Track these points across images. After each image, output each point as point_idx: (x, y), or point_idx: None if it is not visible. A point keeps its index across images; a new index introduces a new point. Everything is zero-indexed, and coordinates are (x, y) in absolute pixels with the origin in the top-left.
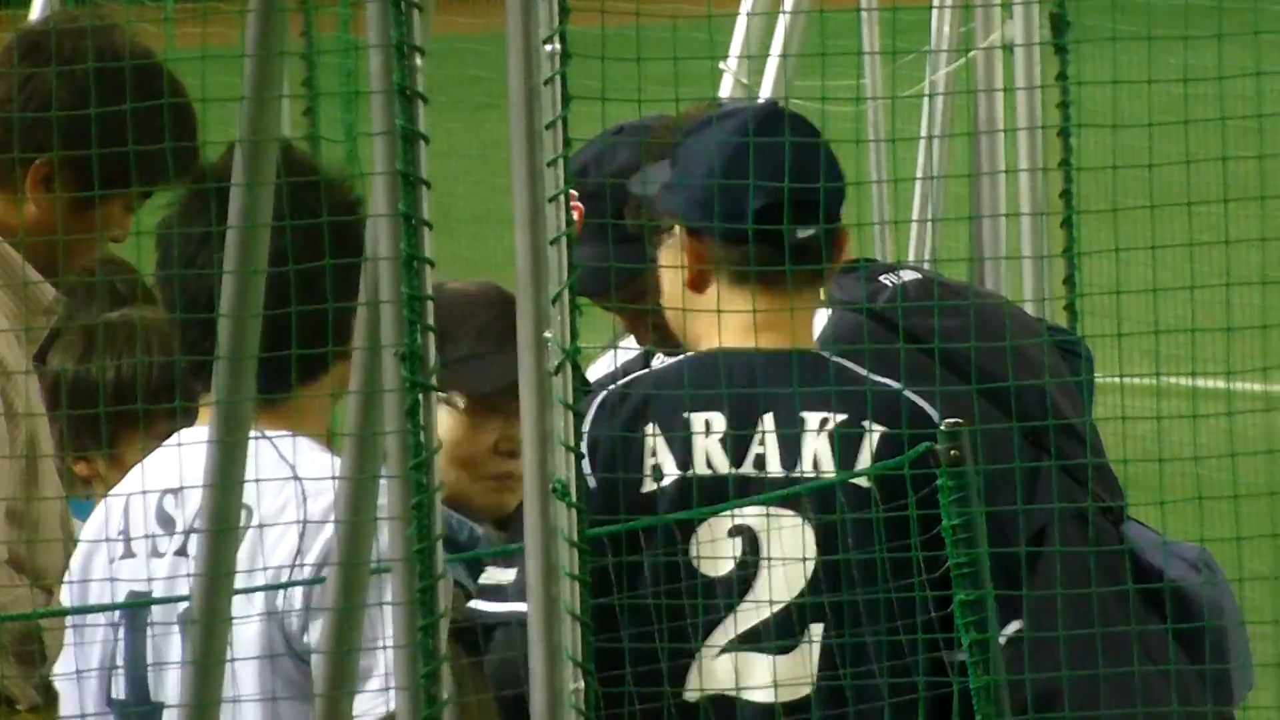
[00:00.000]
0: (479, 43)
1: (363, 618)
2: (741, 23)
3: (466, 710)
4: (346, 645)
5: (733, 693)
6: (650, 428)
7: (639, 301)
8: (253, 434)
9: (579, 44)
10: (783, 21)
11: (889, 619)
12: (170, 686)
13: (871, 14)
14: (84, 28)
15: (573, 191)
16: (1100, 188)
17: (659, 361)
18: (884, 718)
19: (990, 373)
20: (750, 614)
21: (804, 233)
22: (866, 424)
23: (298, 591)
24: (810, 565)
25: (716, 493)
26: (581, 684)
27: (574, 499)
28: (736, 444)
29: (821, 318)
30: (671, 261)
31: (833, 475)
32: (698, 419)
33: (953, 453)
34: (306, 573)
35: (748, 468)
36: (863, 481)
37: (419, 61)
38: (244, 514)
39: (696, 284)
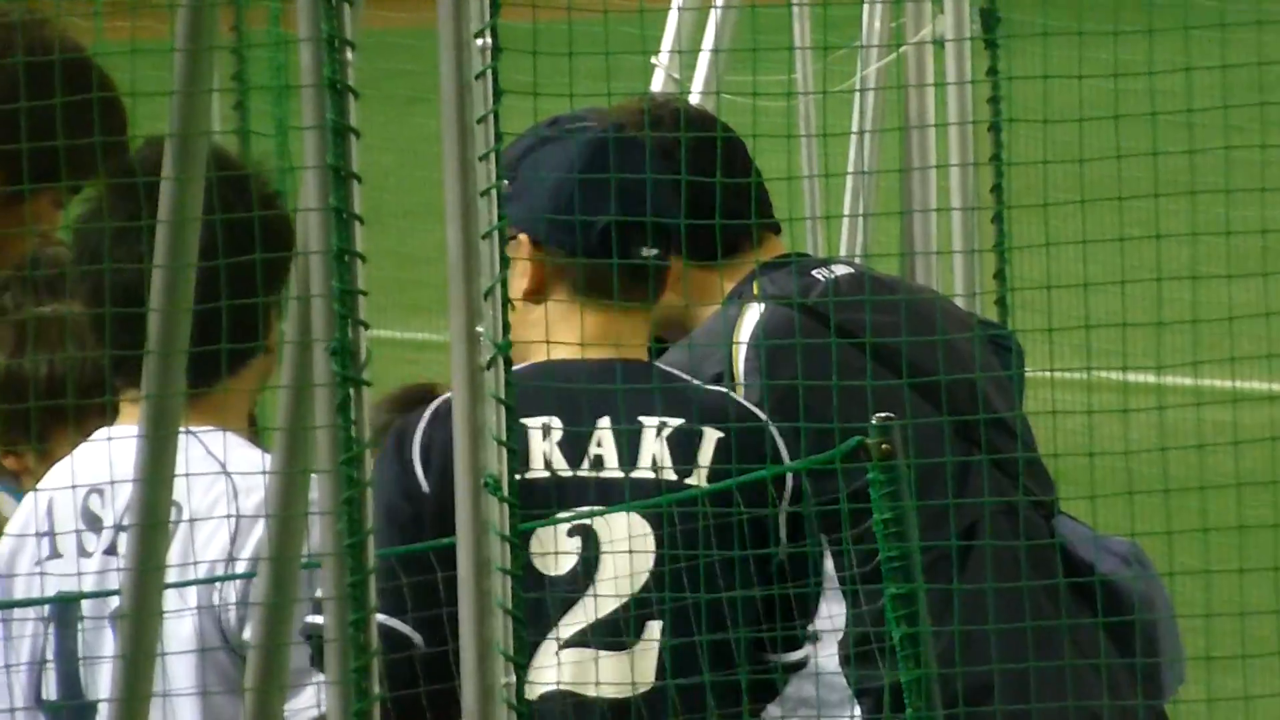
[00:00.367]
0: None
1: (294, 613)
2: (673, 18)
3: None
4: (278, 640)
5: (575, 689)
6: None
7: None
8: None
9: (510, 38)
10: (714, 16)
11: (725, 617)
12: (103, 684)
13: (802, 9)
14: (13, 22)
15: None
16: (1031, 182)
17: None
18: (716, 713)
19: (922, 367)
20: (590, 612)
21: (647, 251)
22: (703, 427)
23: (232, 587)
24: (648, 564)
25: (557, 493)
26: (513, 678)
27: (505, 494)
28: (575, 445)
29: (754, 313)
30: (517, 270)
31: (673, 476)
32: (535, 423)
33: (884, 447)
34: (241, 568)
35: (585, 469)
36: (701, 483)
37: (350, 56)
38: (173, 511)
39: (533, 295)
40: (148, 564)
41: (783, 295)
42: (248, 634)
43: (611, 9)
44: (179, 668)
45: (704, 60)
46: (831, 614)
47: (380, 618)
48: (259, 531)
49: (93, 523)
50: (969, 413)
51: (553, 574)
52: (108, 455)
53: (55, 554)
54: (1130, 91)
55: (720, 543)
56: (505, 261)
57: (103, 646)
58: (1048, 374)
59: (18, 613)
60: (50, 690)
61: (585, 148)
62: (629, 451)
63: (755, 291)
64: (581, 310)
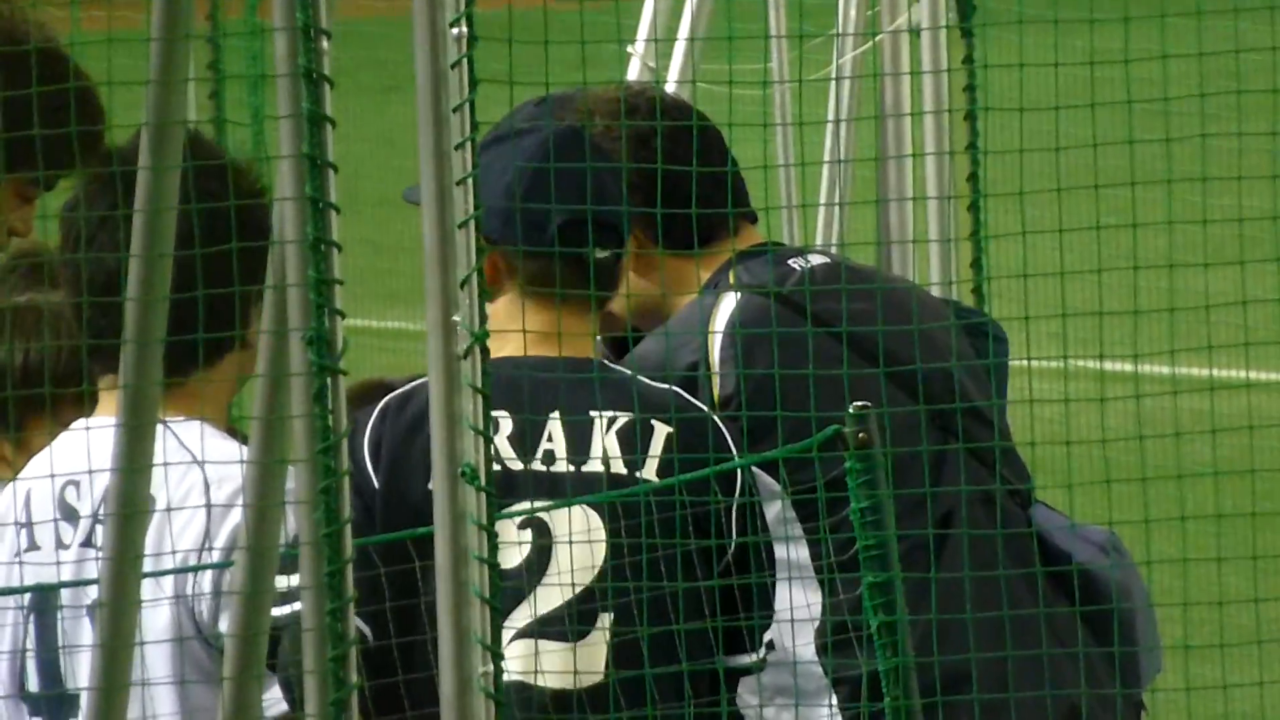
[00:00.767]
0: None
1: (270, 603)
2: (649, 6)
3: None
4: (254, 630)
5: (525, 679)
6: None
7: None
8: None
9: (486, 27)
10: (690, 5)
11: (676, 611)
12: (83, 674)
13: None
14: None
15: None
16: (1007, 171)
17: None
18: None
19: (898, 356)
20: (540, 604)
21: (600, 253)
22: (654, 422)
23: (206, 577)
24: (600, 557)
25: (507, 487)
26: (490, 667)
27: (483, 483)
28: (525, 440)
29: (729, 302)
30: None
31: (623, 469)
32: (501, 418)
33: (860, 436)
34: (215, 558)
35: (537, 463)
36: (651, 476)
37: (325, 45)
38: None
39: (495, 290)
40: (125, 554)
41: (758, 284)
42: (222, 625)
43: None
44: (155, 658)
45: (679, 49)
46: (808, 603)
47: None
48: (232, 522)
49: (69, 514)
50: (945, 402)
51: (505, 567)
52: (85, 445)
53: (33, 545)
54: (1106, 80)
55: (672, 538)
56: (481, 251)
57: (81, 637)
58: (1024, 363)
59: None
60: (31, 681)
61: (538, 146)
62: (579, 445)
63: (731, 281)
64: (529, 306)
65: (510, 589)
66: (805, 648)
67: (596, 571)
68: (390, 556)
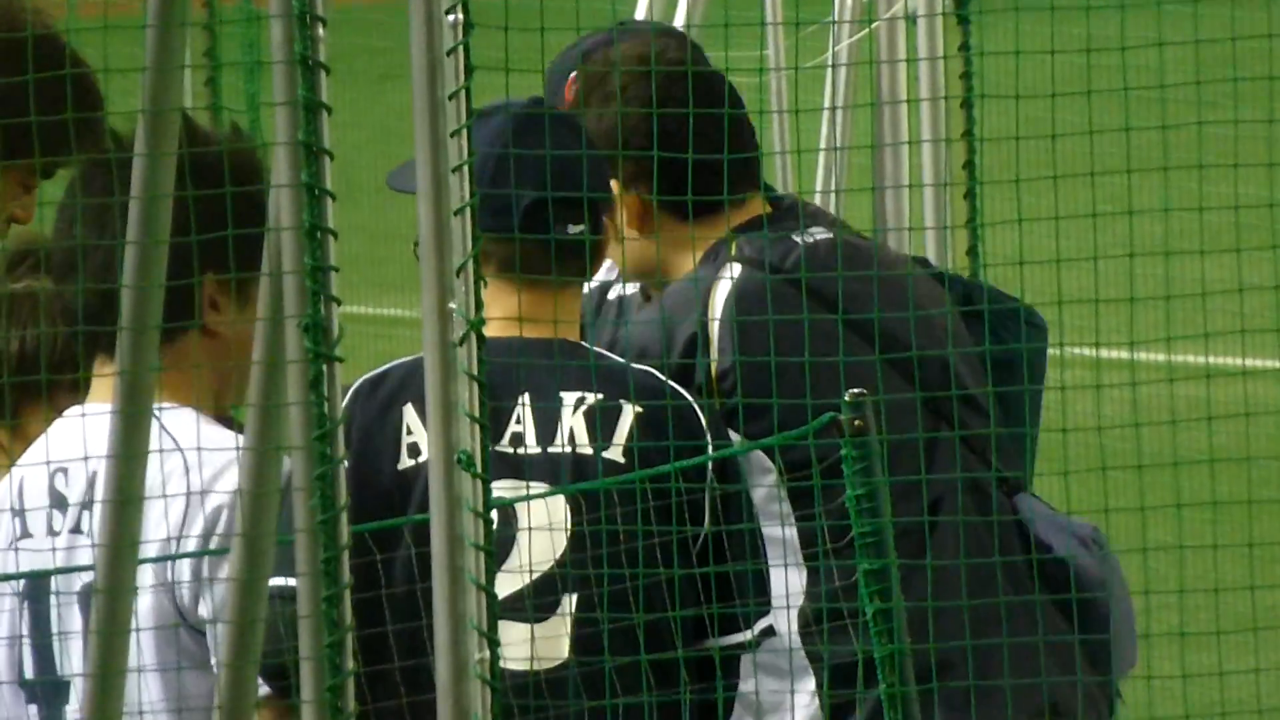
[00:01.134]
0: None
1: (266, 590)
2: None
3: None
4: (251, 616)
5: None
6: (407, 408)
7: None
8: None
9: (481, 14)
10: None
11: (645, 597)
12: (76, 660)
13: None
14: None
15: None
16: (1003, 158)
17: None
18: (631, 688)
19: (896, 338)
20: (504, 585)
21: (574, 228)
22: (622, 403)
23: (186, 563)
24: (563, 538)
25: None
26: (486, 653)
27: (478, 469)
28: (494, 421)
29: (729, 278)
30: None
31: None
32: None
33: (856, 423)
34: (192, 544)
35: (505, 445)
36: (619, 457)
37: (321, 32)
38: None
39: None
40: (121, 540)
41: (759, 260)
42: (203, 610)
43: None
44: (140, 644)
45: None
46: (793, 586)
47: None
48: (211, 506)
49: (59, 501)
50: (941, 388)
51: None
52: (78, 432)
53: (26, 533)
54: (1103, 66)
55: (642, 522)
56: (477, 238)
57: (73, 624)
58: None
59: None
60: (27, 668)
61: (506, 125)
62: (547, 427)
63: (732, 251)
64: (503, 289)
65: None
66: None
67: (559, 555)
68: (372, 541)
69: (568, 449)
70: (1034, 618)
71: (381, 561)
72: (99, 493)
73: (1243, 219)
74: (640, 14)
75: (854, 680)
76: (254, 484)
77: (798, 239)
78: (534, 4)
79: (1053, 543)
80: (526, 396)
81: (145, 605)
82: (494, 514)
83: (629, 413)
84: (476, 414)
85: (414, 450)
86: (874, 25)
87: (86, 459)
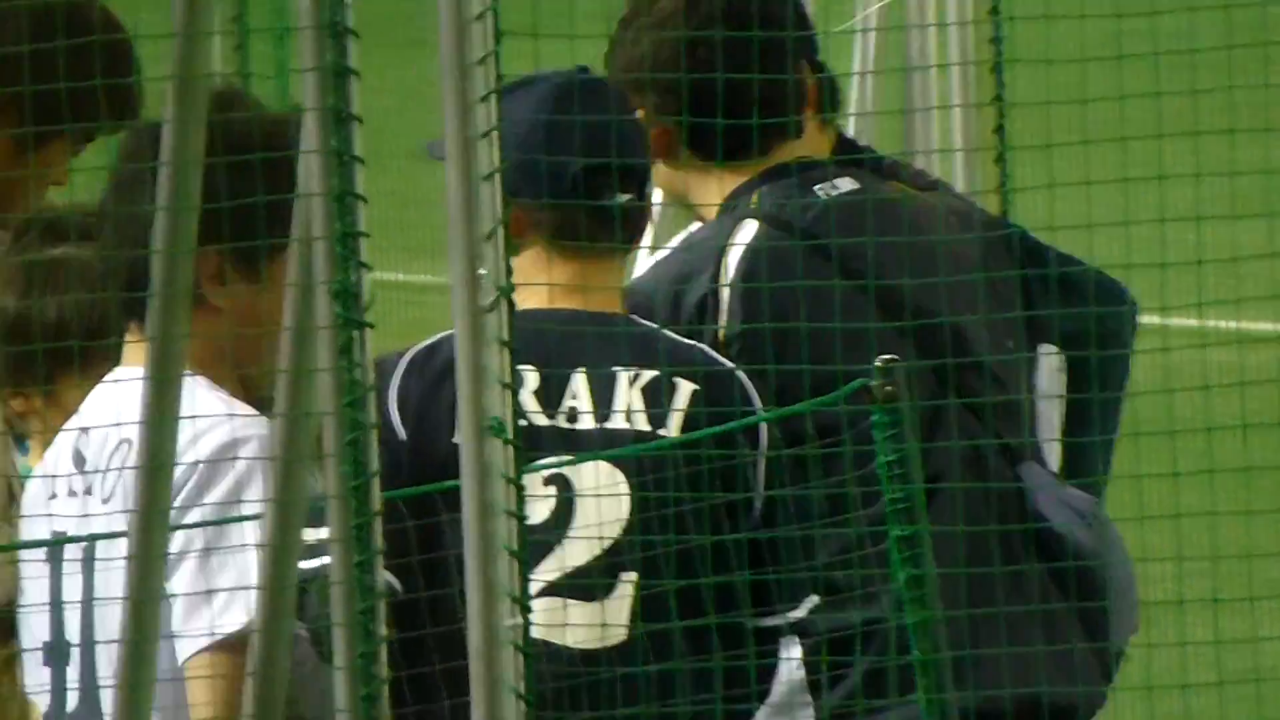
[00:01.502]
0: None
1: (297, 556)
2: None
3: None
4: (283, 584)
5: (547, 638)
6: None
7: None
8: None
9: None
10: None
11: (702, 569)
12: (74, 626)
13: None
14: None
15: None
16: (1033, 124)
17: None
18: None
19: (916, 303)
20: (563, 561)
21: (622, 196)
22: (678, 379)
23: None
24: (625, 515)
25: (531, 443)
26: (519, 620)
27: (509, 436)
28: (549, 396)
29: (744, 235)
30: None
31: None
32: (529, 376)
33: (887, 389)
34: (191, 515)
35: (560, 420)
36: (674, 433)
37: None
38: (127, 452)
39: (519, 244)
40: (152, 507)
41: (777, 215)
42: (169, 583)
43: None
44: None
45: None
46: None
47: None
48: (205, 476)
49: (80, 464)
50: (950, 353)
51: (529, 523)
52: (106, 398)
53: (54, 494)
54: (1132, 32)
55: (700, 499)
56: (507, 204)
57: (77, 589)
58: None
59: (27, 555)
60: (44, 631)
61: (551, 93)
62: (603, 401)
63: (753, 204)
64: (553, 258)
65: (534, 545)
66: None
67: (619, 529)
68: (419, 510)
69: (625, 425)
70: (1027, 590)
71: (433, 529)
72: (117, 458)
73: (1274, 184)
74: None
75: (839, 649)
76: (285, 450)
77: (821, 191)
78: None
79: (1048, 515)
80: (582, 372)
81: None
82: (552, 488)
83: (685, 389)
84: (507, 380)
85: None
86: None
87: (117, 425)
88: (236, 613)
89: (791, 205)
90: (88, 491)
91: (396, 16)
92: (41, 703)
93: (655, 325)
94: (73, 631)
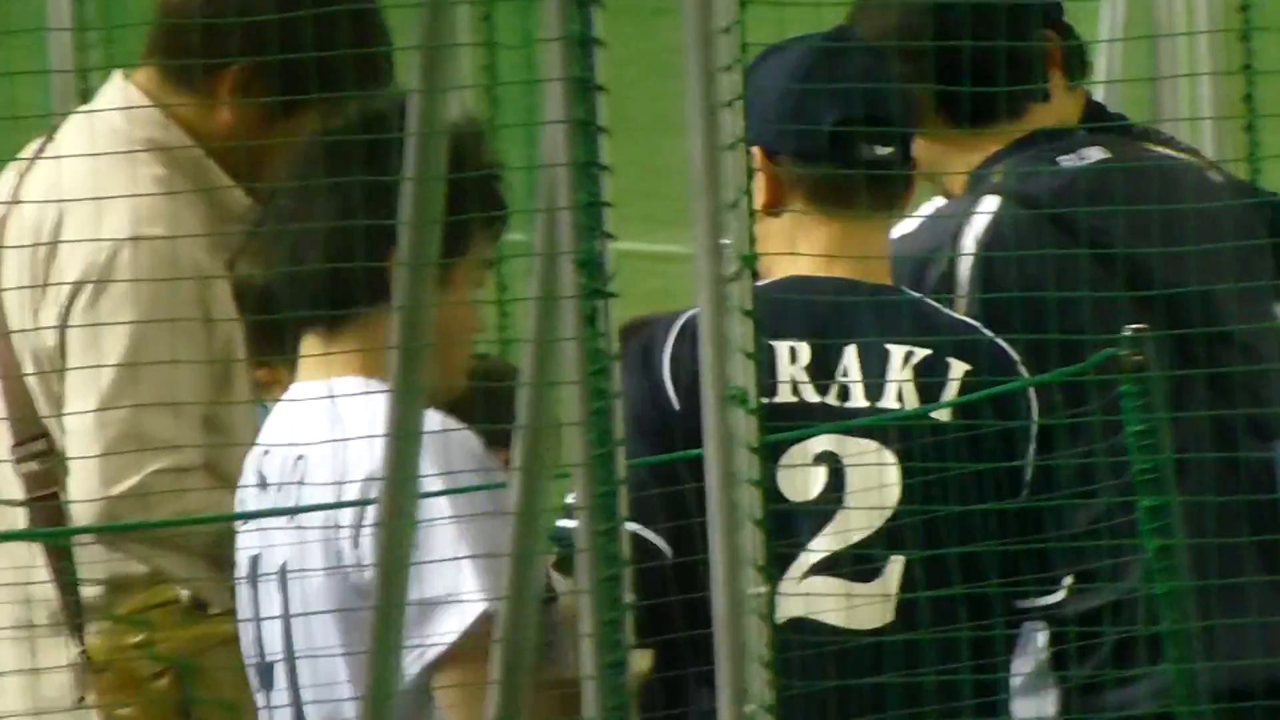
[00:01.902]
0: None
1: (544, 524)
2: None
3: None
4: (529, 550)
5: (814, 617)
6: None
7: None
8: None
9: None
10: None
11: (972, 558)
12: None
13: None
14: None
15: None
16: None
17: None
18: (960, 649)
19: (1162, 277)
20: (833, 540)
21: (881, 150)
22: (950, 359)
23: (347, 511)
24: (893, 496)
25: (804, 417)
26: (764, 589)
27: (752, 405)
28: (820, 373)
29: (986, 210)
30: (756, 181)
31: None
32: (782, 347)
33: (1136, 359)
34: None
35: (830, 397)
36: (945, 415)
37: None
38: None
39: (771, 207)
40: (403, 472)
41: (1021, 190)
42: (360, 554)
43: None
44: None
45: None
46: None
47: (632, 527)
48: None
49: (263, 485)
50: (1197, 322)
51: (797, 500)
52: (286, 414)
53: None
54: None
55: (969, 477)
56: (750, 173)
57: (272, 604)
58: None
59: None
60: (253, 651)
61: (808, 52)
62: (876, 381)
63: (998, 177)
64: (813, 223)
65: (805, 521)
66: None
67: (891, 511)
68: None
69: (895, 406)
70: (1276, 565)
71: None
72: (298, 475)
73: None
74: None
75: (1088, 624)
76: (530, 418)
77: (1068, 162)
78: None
79: None
80: (854, 346)
81: (316, 554)
82: (822, 467)
83: (958, 369)
84: (749, 350)
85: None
86: None
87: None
88: (450, 623)
89: (1035, 178)
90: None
91: None
92: None
93: (924, 297)
94: (276, 650)
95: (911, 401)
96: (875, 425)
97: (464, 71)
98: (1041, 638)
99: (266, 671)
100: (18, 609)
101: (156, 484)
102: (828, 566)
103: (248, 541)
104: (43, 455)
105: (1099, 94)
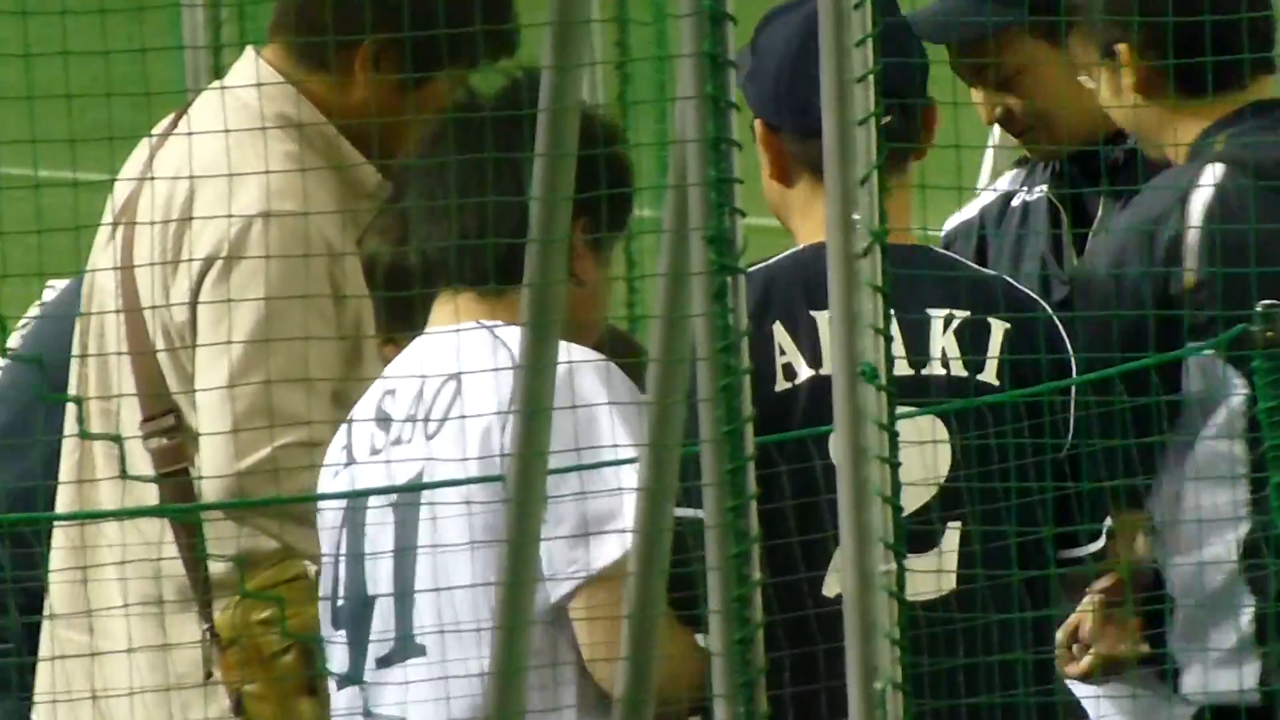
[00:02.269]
0: None
1: (673, 498)
2: None
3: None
4: (660, 525)
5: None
6: (776, 327)
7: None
8: (472, 324)
9: None
10: None
11: (1023, 517)
12: (384, 581)
13: None
14: None
15: None
16: None
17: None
18: (1018, 616)
19: None
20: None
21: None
22: (990, 319)
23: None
24: (945, 464)
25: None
26: (892, 565)
27: (883, 382)
28: (887, 347)
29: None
30: (762, 154)
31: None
32: (822, 317)
33: (1268, 335)
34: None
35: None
36: (993, 379)
37: None
38: (452, 395)
39: (781, 178)
40: (530, 450)
41: (1242, 158)
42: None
43: None
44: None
45: None
46: (1217, 502)
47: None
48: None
49: (383, 421)
50: None
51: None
52: (413, 354)
53: (351, 459)
54: None
55: (1017, 443)
56: (882, 148)
57: (383, 541)
58: None
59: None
60: (340, 589)
61: (807, 17)
62: (917, 346)
63: (1219, 146)
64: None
65: None
66: (1219, 548)
67: (944, 479)
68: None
69: (941, 372)
70: None
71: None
72: (442, 399)
73: None
74: None
75: None
76: (659, 394)
77: None
78: None
79: None
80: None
81: (480, 523)
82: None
83: (998, 330)
84: (880, 325)
85: (789, 372)
86: None
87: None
88: (611, 547)
89: (1259, 147)
90: (396, 443)
91: None
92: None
93: (952, 254)
94: (380, 584)
95: (955, 368)
96: (923, 394)
97: (596, 48)
98: (1248, 612)
99: (363, 610)
100: (147, 584)
101: (286, 458)
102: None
103: (351, 477)
104: (171, 431)
105: None
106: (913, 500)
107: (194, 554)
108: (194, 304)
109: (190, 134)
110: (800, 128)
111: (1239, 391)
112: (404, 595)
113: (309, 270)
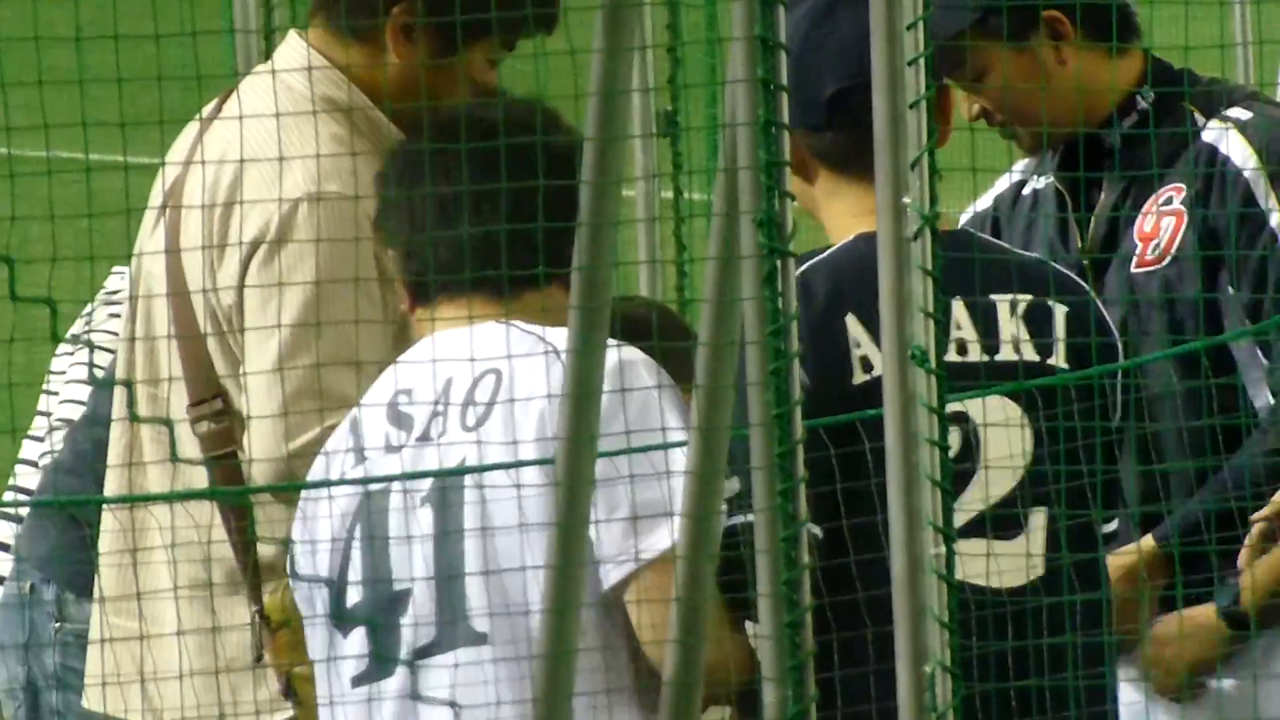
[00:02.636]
0: None
1: (722, 481)
2: None
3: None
4: (710, 510)
5: (966, 579)
6: (849, 319)
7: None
8: (500, 322)
9: None
10: None
11: (1107, 499)
12: (419, 567)
13: None
14: None
15: None
16: None
17: None
18: (1093, 609)
19: None
20: (972, 501)
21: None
22: (1050, 303)
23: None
24: (1028, 451)
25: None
26: (942, 549)
27: (933, 366)
28: (937, 330)
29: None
30: None
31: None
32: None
33: None
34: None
35: (951, 354)
36: (1063, 362)
37: None
38: (494, 384)
39: (801, 172)
40: (580, 435)
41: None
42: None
43: None
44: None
45: None
46: None
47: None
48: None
49: (398, 420)
50: None
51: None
52: (424, 351)
53: (361, 459)
54: None
55: (1088, 413)
56: (933, 132)
57: (413, 531)
58: None
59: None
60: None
61: (804, 16)
62: (988, 331)
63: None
64: (840, 185)
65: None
66: None
67: (1026, 464)
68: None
69: (1014, 357)
70: None
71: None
72: (483, 389)
73: None
74: None
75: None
76: (708, 378)
77: None
78: None
79: None
80: (958, 300)
81: (533, 507)
82: (954, 427)
83: (1059, 313)
84: (931, 309)
85: (866, 364)
86: None
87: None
88: (662, 534)
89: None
90: (423, 438)
91: None
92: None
93: (991, 238)
94: (415, 570)
95: (1027, 352)
96: (998, 378)
97: (646, 30)
98: None
99: (392, 602)
100: (196, 568)
101: None
102: (975, 528)
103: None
104: (219, 414)
105: None
106: (998, 487)
107: (243, 537)
108: (241, 287)
109: (236, 118)
110: (808, 122)
111: None
112: (452, 580)
113: (357, 252)
